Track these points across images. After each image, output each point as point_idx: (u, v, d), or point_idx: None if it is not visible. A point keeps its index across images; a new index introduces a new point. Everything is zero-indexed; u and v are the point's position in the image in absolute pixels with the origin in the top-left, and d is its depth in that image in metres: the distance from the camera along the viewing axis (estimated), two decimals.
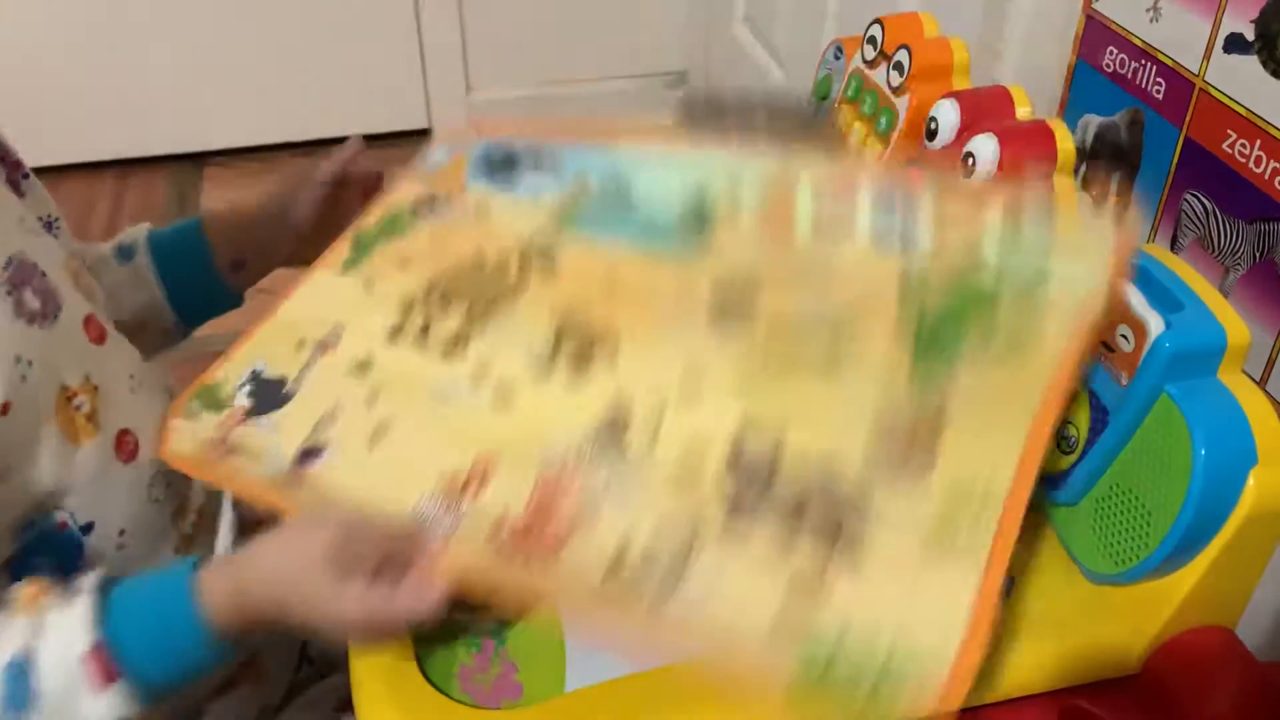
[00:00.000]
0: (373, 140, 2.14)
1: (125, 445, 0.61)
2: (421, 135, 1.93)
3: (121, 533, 0.60)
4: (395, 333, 0.59)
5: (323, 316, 0.62)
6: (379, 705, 0.49)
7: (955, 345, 0.48)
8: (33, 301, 0.57)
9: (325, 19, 1.78)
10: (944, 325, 0.49)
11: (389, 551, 0.48)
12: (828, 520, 0.45)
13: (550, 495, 0.49)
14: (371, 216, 0.68)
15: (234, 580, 0.50)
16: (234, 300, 0.76)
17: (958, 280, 0.50)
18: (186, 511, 0.65)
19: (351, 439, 0.55)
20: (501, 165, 0.65)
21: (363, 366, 0.58)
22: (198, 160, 1.85)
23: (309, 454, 0.55)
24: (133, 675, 0.49)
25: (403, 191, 0.70)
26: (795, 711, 0.41)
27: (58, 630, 0.49)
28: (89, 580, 0.51)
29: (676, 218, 0.58)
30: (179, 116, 1.81)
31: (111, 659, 0.49)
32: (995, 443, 0.45)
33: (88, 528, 0.59)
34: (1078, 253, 0.49)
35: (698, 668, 0.43)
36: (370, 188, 0.73)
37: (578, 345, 0.55)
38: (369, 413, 0.56)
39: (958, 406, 0.47)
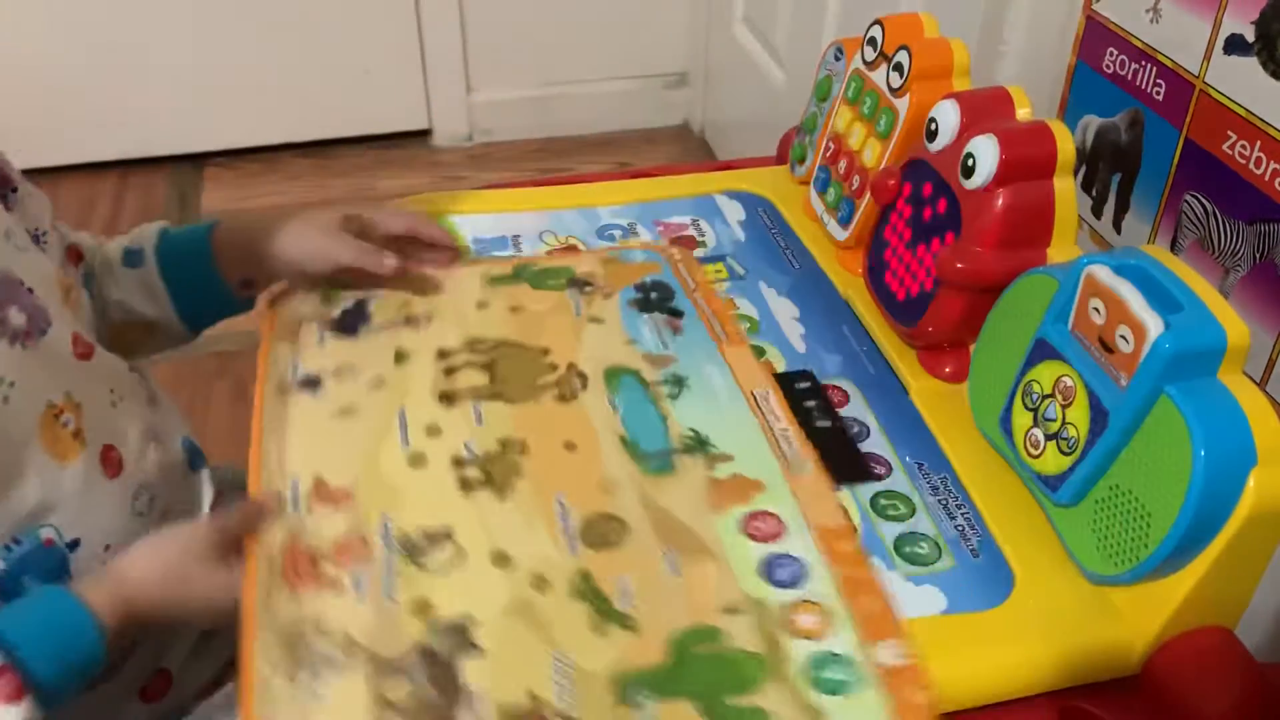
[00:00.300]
0: (374, 141, 2.13)
1: (110, 460, 0.61)
2: (422, 136, 1.93)
3: (107, 548, 0.60)
4: (442, 355, 0.65)
5: (421, 301, 0.70)
6: None
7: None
8: (17, 319, 0.57)
9: (326, 20, 1.78)
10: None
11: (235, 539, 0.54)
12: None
13: (342, 552, 0.53)
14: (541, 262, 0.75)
15: (115, 584, 0.54)
16: (245, 307, 0.76)
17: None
18: (169, 523, 0.65)
19: (338, 396, 0.62)
20: (649, 300, 0.71)
21: (401, 356, 0.65)
22: (198, 161, 1.85)
23: (310, 382, 0.63)
24: (37, 687, 0.50)
25: (584, 258, 0.76)
26: None
27: None
28: None
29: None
30: (179, 117, 1.81)
31: (16, 676, 0.49)
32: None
33: (74, 544, 0.59)
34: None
35: None
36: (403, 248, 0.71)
37: (498, 471, 0.58)
38: (365, 393, 0.62)
39: None
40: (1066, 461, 0.53)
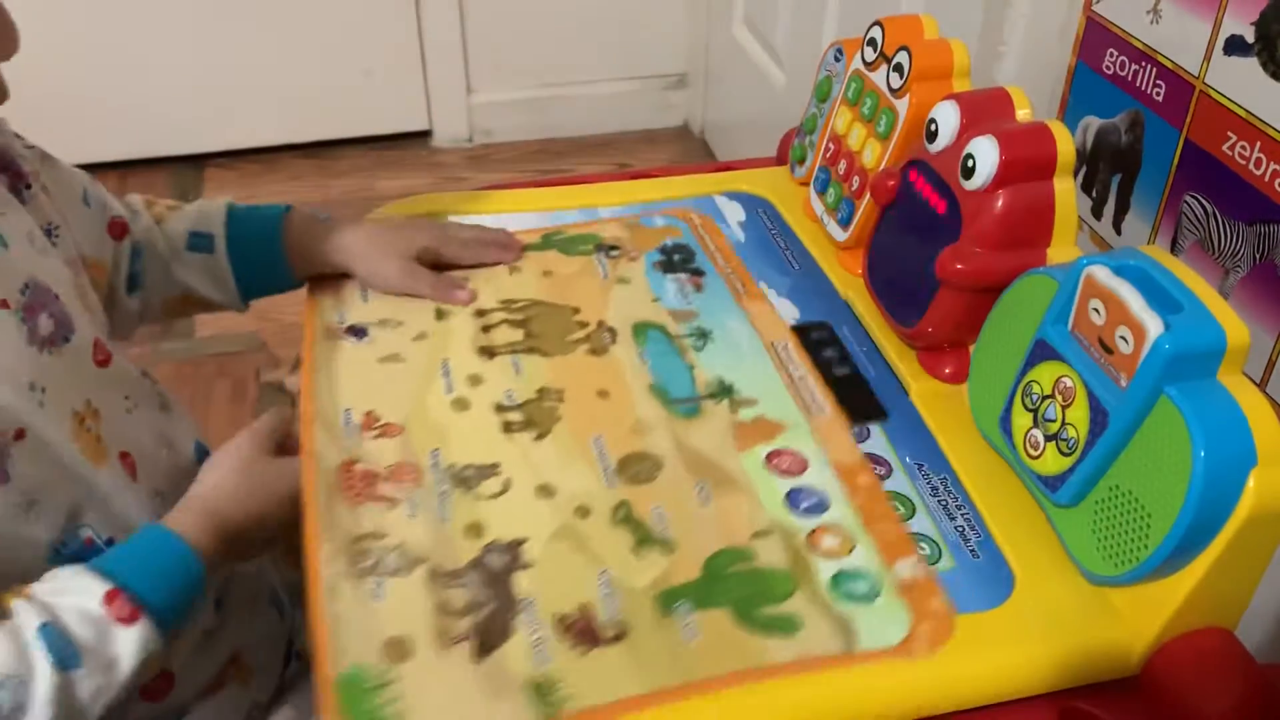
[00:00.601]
0: (374, 142, 2.13)
1: (127, 466, 0.62)
2: (422, 137, 1.93)
3: None
4: (479, 313, 0.70)
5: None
6: None
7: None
8: (46, 326, 0.58)
9: (326, 21, 1.78)
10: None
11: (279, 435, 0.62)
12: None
13: (397, 475, 0.57)
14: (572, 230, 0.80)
15: (198, 502, 0.59)
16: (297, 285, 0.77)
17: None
18: None
19: (384, 344, 0.67)
20: (671, 261, 0.76)
21: (441, 314, 0.70)
22: (198, 162, 1.85)
23: (357, 330, 0.68)
24: (149, 609, 0.53)
25: (609, 225, 0.80)
26: None
27: (67, 595, 0.52)
28: (67, 566, 0.54)
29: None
30: (180, 118, 1.81)
31: (127, 599, 0.53)
32: None
33: (110, 542, 0.60)
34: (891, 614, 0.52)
35: None
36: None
37: (538, 415, 0.62)
38: (409, 343, 0.67)
39: None
40: (1066, 462, 0.53)
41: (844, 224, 0.77)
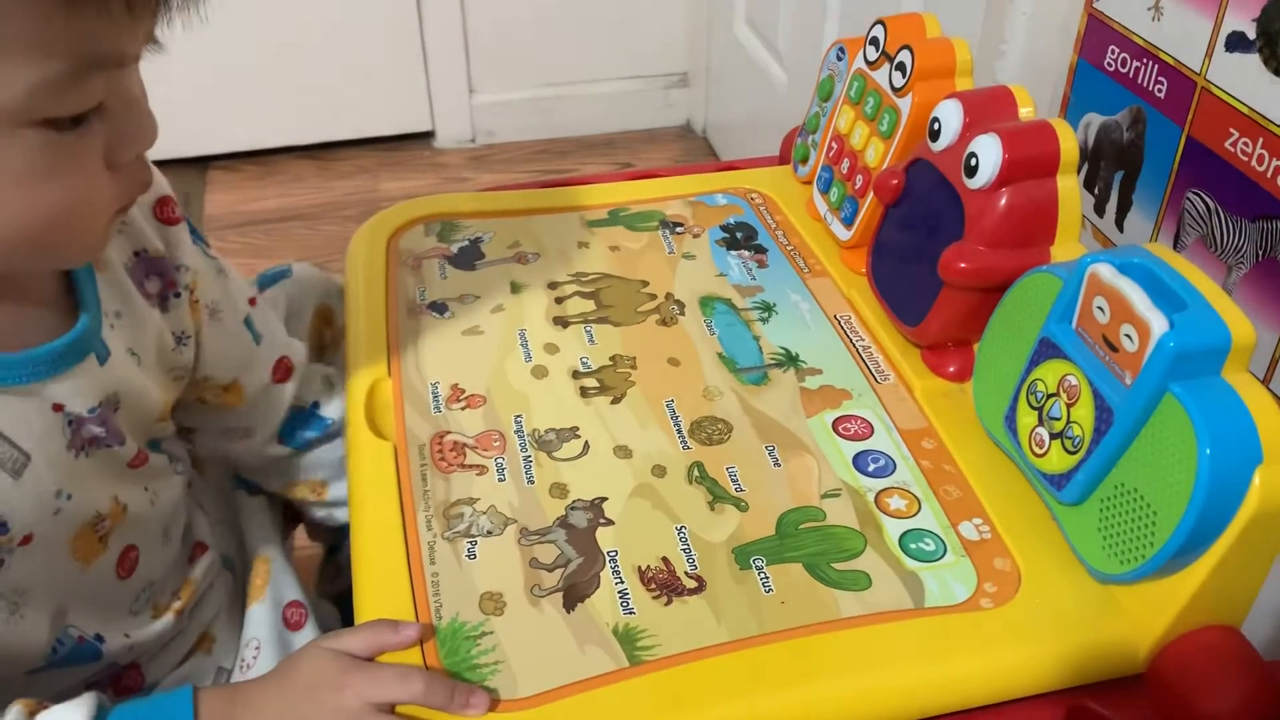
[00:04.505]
0: (375, 143, 2.13)
1: (126, 561, 0.60)
2: (425, 138, 1.93)
3: (127, 635, 0.60)
4: (552, 286, 0.73)
5: (528, 241, 0.79)
6: None
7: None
8: (94, 430, 0.55)
9: (327, 22, 1.78)
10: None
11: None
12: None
13: (484, 443, 0.61)
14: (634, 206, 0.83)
15: (230, 713, 0.48)
16: None
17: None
18: (156, 611, 0.64)
19: (464, 318, 0.70)
20: (734, 238, 0.79)
21: (516, 287, 0.73)
22: (200, 164, 1.85)
23: (438, 306, 0.71)
24: None
25: (672, 203, 0.83)
26: None
27: (57, 713, 0.47)
28: (89, 697, 0.48)
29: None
30: (181, 121, 1.81)
31: None
32: None
33: (99, 638, 0.59)
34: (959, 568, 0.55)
35: None
36: None
37: (613, 381, 0.65)
38: (487, 316, 0.70)
39: None
40: (1071, 460, 0.53)
41: (847, 223, 0.77)
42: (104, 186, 0.49)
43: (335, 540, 0.81)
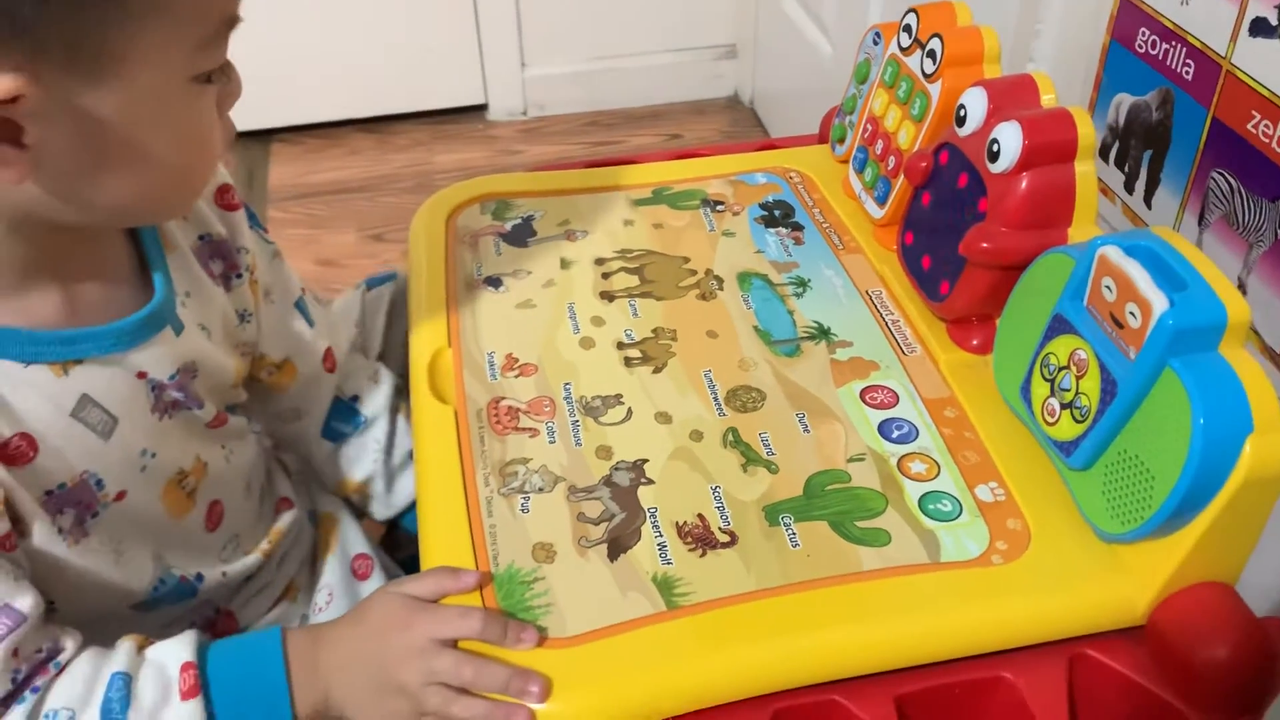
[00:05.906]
0: (431, 116, 2.16)
1: (214, 515, 0.66)
2: (478, 111, 1.98)
3: (224, 573, 0.66)
4: (598, 262, 0.78)
5: (577, 219, 0.83)
6: None
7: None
8: (174, 394, 0.60)
9: (388, 1, 1.83)
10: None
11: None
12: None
13: (535, 408, 0.66)
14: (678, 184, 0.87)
15: (313, 652, 0.55)
16: None
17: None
18: (242, 558, 0.70)
19: (517, 292, 0.75)
20: (773, 216, 0.84)
21: (565, 262, 0.78)
22: (264, 137, 1.92)
23: (493, 281, 0.76)
24: (211, 697, 0.53)
25: (713, 182, 0.87)
26: None
27: (163, 647, 0.55)
28: (190, 633, 0.56)
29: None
30: (246, 95, 1.87)
31: (199, 677, 0.53)
32: None
33: (199, 577, 0.65)
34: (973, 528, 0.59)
35: None
36: None
37: (654, 352, 0.70)
38: (539, 290, 0.75)
39: None
40: (1079, 429, 0.57)
41: (880, 201, 0.80)
42: (220, 135, 0.56)
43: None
